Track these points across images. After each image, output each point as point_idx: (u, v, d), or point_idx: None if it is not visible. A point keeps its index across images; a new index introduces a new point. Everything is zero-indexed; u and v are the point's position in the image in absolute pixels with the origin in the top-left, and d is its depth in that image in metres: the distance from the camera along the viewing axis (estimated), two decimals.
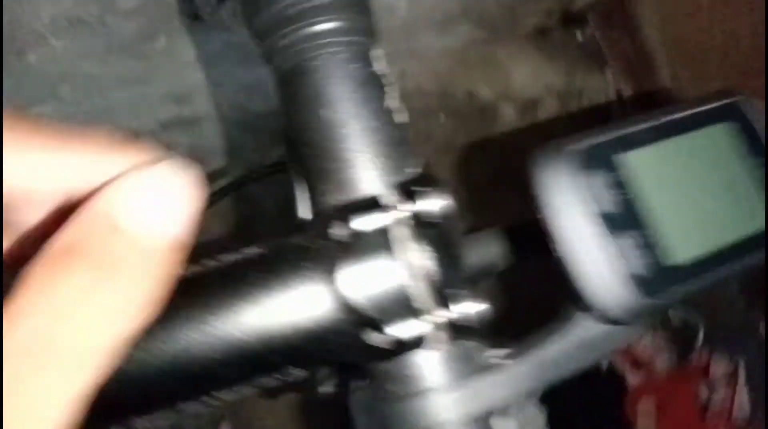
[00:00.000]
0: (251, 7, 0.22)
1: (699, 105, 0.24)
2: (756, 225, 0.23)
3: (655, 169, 0.22)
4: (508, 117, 0.82)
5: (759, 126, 0.24)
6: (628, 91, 0.77)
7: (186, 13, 0.51)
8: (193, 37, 0.60)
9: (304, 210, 0.22)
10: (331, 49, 0.21)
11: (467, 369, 0.21)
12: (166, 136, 0.61)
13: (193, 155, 0.59)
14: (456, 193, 0.20)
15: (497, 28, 0.79)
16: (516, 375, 0.21)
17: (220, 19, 0.58)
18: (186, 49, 0.60)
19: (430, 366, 0.20)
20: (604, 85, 0.82)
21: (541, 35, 0.79)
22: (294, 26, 0.21)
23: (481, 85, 0.81)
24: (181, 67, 0.61)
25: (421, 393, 0.20)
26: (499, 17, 0.78)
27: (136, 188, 0.12)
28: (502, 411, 0.22)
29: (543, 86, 0.82)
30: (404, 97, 0.73)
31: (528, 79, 0.81)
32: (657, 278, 0.21)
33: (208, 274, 0.16)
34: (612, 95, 0.81)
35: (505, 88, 0.81)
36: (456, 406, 0.20)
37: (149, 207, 0.12)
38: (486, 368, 0.21)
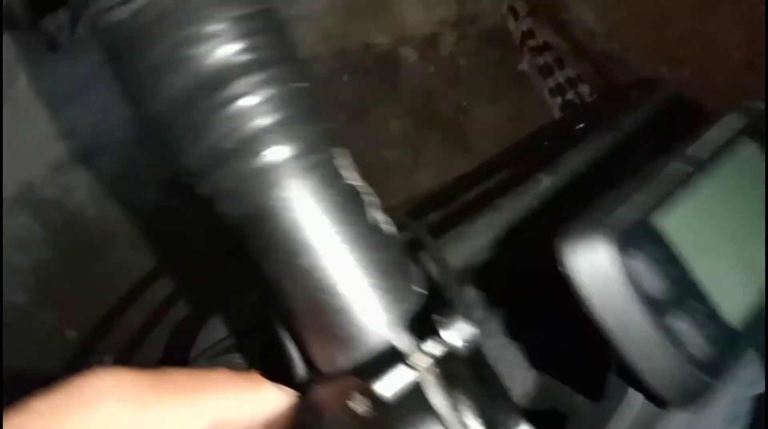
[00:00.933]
0: (174, 143, 0.18)
1: (703, 134, 0.21)
2: None
3: (694, 229, 0.20)
4: (411, 59, 0.81)
5: None
6: (522, 7, 0.78)
7: (41, 45, 0.47)
8: (57, 67, 0.55)
9: (301, 369, 0.19)
10: (292, 182, 0.17)
11: None
12: (63, 179, 0.58)
13: (98, 191, 0.56)
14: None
15: None
16: None
17: (81, 40, 0.53)
18: (53, 83, 0.56)
19: None
20: (496, 4, 0.82)
21: None
22: (237, 162, 0.17)
23: (376, 34, 0.79)
24: (54, 102, 0.57)
25: None
26: None
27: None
28: None
29: (437, 20, 0.81)
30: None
31: (420, 16, 0.80)
32: (720, 354, 0.19)
33: None
34: (506, 12, 0.82)
35: (401, 31, 0.80)
36: None
37: None
38: None
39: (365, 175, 0.20)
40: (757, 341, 0.20)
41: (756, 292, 0.20)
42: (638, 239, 0.19)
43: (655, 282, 0.19)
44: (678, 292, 0.19)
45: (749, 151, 0.21)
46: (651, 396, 0.19)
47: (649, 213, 0.19)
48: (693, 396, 0.19)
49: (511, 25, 0.79)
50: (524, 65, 0.81)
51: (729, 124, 0.22)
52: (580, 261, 0.19)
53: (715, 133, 0.22)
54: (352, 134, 0.68)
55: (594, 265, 0.19)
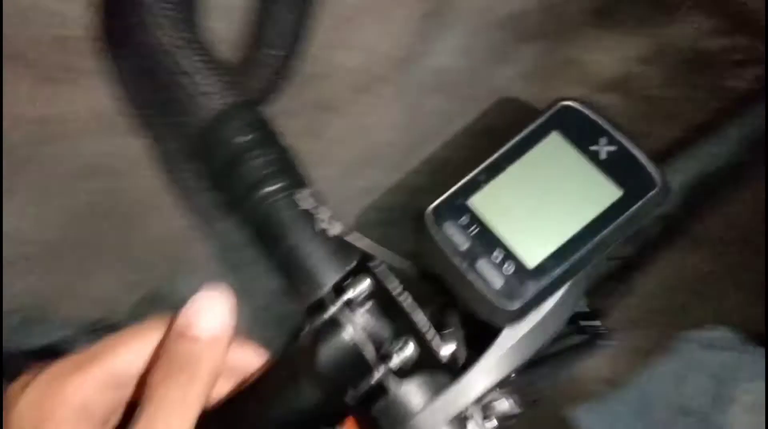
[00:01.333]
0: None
1: (519, 133, 0.28)
2: (602, 202, 0.25)
3: (497, 203, 0.26)
4: (616, 104, 0.85)
5: (587, 122, 0.27)
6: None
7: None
8: None
9: None
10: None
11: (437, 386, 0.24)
12: None
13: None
14: None
15: (556, 33, 0.87)
16: (474, 379, 0.24)
17: None
18: None
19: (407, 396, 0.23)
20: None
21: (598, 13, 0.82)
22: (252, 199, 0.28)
23: (568, 89, 0.88)
24: None
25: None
26: (551, 23, 0.86)
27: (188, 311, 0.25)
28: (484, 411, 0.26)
29: (630, 59, 0.83)
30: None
31: (611, 60, 0.84)
32: (518, 285, 0.25)
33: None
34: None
35: (595, 78, 0.86)
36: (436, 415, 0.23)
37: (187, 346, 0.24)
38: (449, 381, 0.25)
39: None
40: (552, 276, 0.25)
41: (550, 243, 0.25)
42: (448, 215, 0.27)
43: (462, 239, 0.26)
44: (481, 245, 0.26)
45: (556, 144, 0.27)
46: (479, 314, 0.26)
47: (460, 194, 0.28)
48: (498, 315, 0.26)
49: (711, 44, 0.77)
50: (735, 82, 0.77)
51: (544, 121, 0.28)
52: (419, 237, 0.28)
53: (533, 129, 0.28)
54: None
55: (424, 234, 0.28)
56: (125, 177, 0.62)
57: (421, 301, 0.26)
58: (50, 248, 0.62)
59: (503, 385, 0.24)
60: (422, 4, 0.71)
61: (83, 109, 0.53)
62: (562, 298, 0.24)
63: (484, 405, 0.24)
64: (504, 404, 0.25)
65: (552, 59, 0.90)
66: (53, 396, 0.23)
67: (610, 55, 0.84)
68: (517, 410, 0.25)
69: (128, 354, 0.25)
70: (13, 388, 0.24)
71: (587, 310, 0.38)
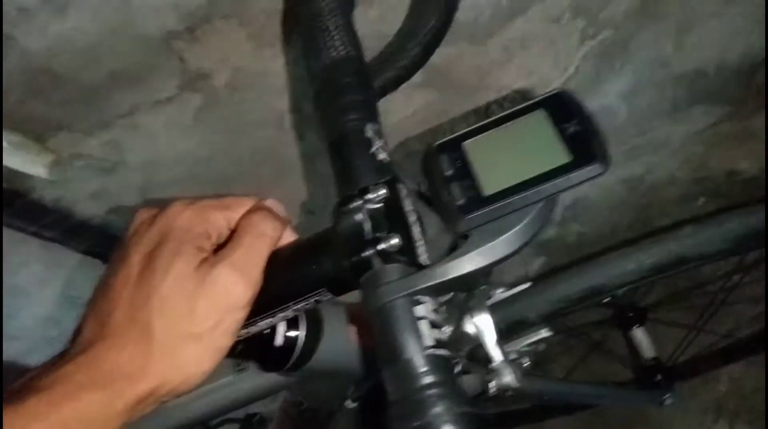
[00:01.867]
0: None
1: (518, 105, 0.38)
2: (552, 163, 0.34)
3: (482, 148, 0.37)
4: None
5: (567, 109, 0.36)
6: None
7: None
8: None
9: None
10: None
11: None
12: None
13: None
14: None
15: (739, 100, 0.89)
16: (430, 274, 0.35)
17: None
18: None
19: None
20: None
21: None
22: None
23: (741, 161, 0.90)
24: None
25: None
26: (735, 88, 0.88)
27: (258, 213, 0.42)
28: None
29: None
30: (655, 188, 1.13)
31: None
32: (472, 204, 0.35)
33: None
34: None
35: None
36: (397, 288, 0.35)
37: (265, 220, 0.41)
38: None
39: None
40: (497, 205, 0.34)
41: (504, 182, 0.35)
42: (446, 150, 0.38)
43: (448, 167, 0.37)
44: (459, 174, 0.36)
45: (540, 117, 0.36)
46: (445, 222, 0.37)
47: (461, 138, 0.38)
48: (455, 223, 0.35)
49: None
50: None
51: (537, 101, 0.37)
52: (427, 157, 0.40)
53: (526, 105, 0.38)
54: None
55: (427, 158, 0.39)
56: (287, 133, 0.80)
57: (420, 220, 0.37)
58: (217, 173, 0.82)
59: (456, 285, 0.34)
60: (592, 43, 0.79)
61: (280, 71, 0.71)
62: (513, 232, 0.33)
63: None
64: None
65: (729, 126, 0.91)
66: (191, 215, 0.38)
67: None
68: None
69: (239, 208, 0.40)
70: (140, 212, 0.40)
71: None
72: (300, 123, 0.81)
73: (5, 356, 0.92)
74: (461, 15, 0.73)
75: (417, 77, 0.78)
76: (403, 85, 0.70)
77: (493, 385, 0.48)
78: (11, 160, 0.63)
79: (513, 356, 0.52)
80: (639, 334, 0.99)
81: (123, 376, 0.33)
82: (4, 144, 0.61)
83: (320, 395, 0.56)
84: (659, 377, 0.94)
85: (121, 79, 0.68)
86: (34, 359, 0.98)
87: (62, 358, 0.34)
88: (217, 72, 0.70)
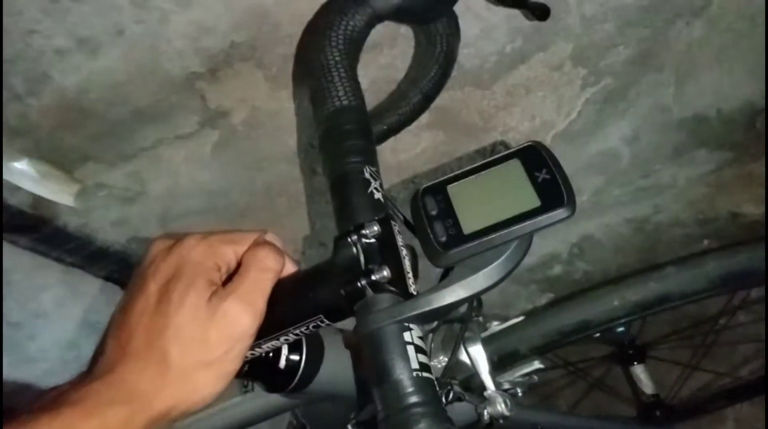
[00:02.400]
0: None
1: (496, 155, 0.43)
2: (524, 207, 0.39)
3: (463, 191, 0.42)
4: None
5: (539, 159, 0.41)
6: None
7: None
8: None
9: None
10: None
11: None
12: None
13: None
14: None
15: (741, 146, 0.92)
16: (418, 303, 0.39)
17: None
18: None
19: None
20: None
21: None
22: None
23: (745, 205, 0.94)
24: None
25: None
26: (737, 134, 0.92)
27: (262, 249, 0.46)
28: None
29: None
30: (660, 229, 1.19)
31: None
32: (453, 241, 0.39)
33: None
34: None
35: None
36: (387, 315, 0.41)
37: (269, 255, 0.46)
38: None
39: None
40: (485, 243, 0.39)
41: (482, 222, 0.39)
42: (431, 193, 0.43)
43: (432, 208, 0.42)
44: (442, 214, 0.41)
45: (515, 166, 0.41)
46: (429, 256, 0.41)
47: (443, 183, 0.43)
48: (437, 259, 0.40)
49: None
50: None
51: (513, 151, 0.43)
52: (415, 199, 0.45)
53: (504, 155, 0.43)
54: None
55: (415, 201, 0.44)
56: (300, 168, 0.85)
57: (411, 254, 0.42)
58: (232, 205, 0.87)
59: (440, 314, 0.38)
60: (594, 89, 0.84)
61: (294, 110, 0.76)
62: (491, 267, 0.37)
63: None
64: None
65: (732, 171, 0.95)
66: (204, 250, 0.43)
67: None
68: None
69: (245, 242, 0.45)
70: (156, 243, 0.44)
71: None
72: (311, 159, 0.87)
73: (24, 378, 0.97)
74: (468, 61, 0.79)
75: (425, 118, 0.83)
76: (412, 126, 0.75)
77: (486, 413, 0.51)
78: (40, 189, 0.68)
79: (506, 386, 0.55)
80: (639, 371, 1.02)
81: (143, 396, 0.38)
82: (34, 173, 0.67)
83: (323, 419, 0.60)
84: (659, 414, 0.98)
85: (146, 115, 0.74)
86: (51, 382, 1.02)
87: (89, 375, 0.39)
88: (236, 110, 0.76)
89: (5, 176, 0.67)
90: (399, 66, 0.75)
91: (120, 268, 0.92)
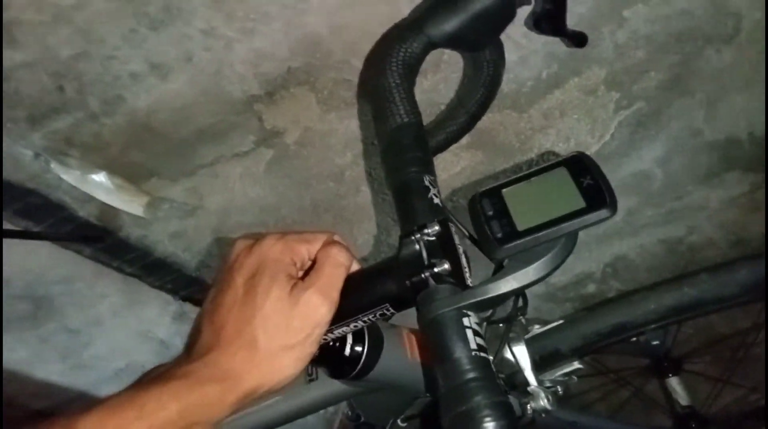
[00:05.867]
0: None
1: (545, 164, 0.49)
2: (571, 208, 0.45)
3: (516, 194, 0.48)
4: None
5: (583, 167, 0.47)
6: None
7: None
8: None
9: None
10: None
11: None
12: None
13: None
14: None
15: None
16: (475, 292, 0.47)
17: None
18: None
19: None
20: None
21: None
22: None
23: None
24: None
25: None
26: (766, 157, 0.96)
27: (334, 247, 0.54)
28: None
29: None
30: (693, 250, 1.26)
31: None
32: (508, 237, 0.46)
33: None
34: None
35: None
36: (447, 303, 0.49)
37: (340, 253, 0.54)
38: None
39: None
40: (528, 237, 0.45)
41: (534, 221, 0.45)
42: (487, 196, 0.49)
43: (489, 208, 0.48)
44: (498, 214, 0.47)
45: (562, 173, 0.47)
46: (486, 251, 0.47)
47: (497, 188, 0.49)
48: (493, 252, 0.46)
49: None
50: None
51: (560, 161, 0.49)
52: (471, 210, 0.51)
53: (552, 163, 0.48)
54: None
55: (473, 203, 0.50)
56: (346, 186, 0.92)
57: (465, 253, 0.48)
58: (281, 220, 0.94)
59: (495, 303, 0.44)
60: (626, 112, 0.90)
61: (342, 131, 0.83)
62: (541, 261, 0.43)
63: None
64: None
65: (764, 192, 0.99)
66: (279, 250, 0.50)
67: None
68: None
69: (317, 241, 0.51)
70: (239, 242, 0.51)
71: None
72: (357, 178, 0.93)
73: (79, 385, 1.04)
74: (506, 86, 0.85)
75: (465, 139, 0.90)
76: (453, 147, 0.81)
77: (530, 408, 0.56)
78: (113, 199, 0.76)
79: (547, 384, 0.60)
80: (674, 383, 1.07)
81: (235, 375, 0.44)
82: (110, 185, 0.74)
83: (377, 410, 0.65)
84: (693, 425, 1.02)
85: (207, 135, 0.81)
86: (103, 390, 1.09)
87: (188, 357, 0.46)
88: (289, 131, 0.84)
89: (81, 187, 0.75)
90: (441, 90, 0.82)
91: (174, 279, 0.99)
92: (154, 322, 1.04)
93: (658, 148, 0.97)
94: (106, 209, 0.86)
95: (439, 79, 0.81)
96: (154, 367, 0.47)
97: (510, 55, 0.79)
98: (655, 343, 0.99)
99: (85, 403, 0.40)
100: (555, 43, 0.80)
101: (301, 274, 0.49)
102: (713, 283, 0.58)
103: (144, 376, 0.45)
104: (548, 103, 0.88)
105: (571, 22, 0.70)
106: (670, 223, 1.08)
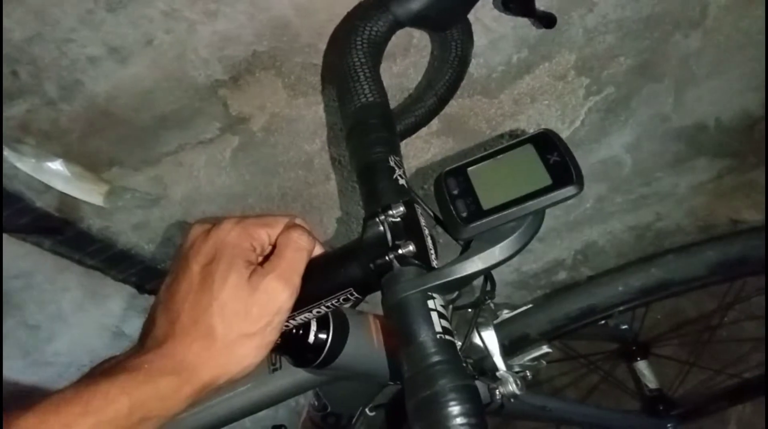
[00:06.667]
0: None
1: (512, 141, 0.48)
2: (537, 185, 0.43)
3: (482, 173, 0.47)
4: None
5: (550, 144, 0.46)
6: None
7: None
8: None
9: None
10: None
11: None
12: None
13: None
14: None
15: (740, 154, 0.97)
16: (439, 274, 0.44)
17: None
18: None
19: None
20: None
21: None
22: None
23: (745, 211, 0.98)
24: None
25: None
26: (736, 142, 0.97)
27: (295, 231, 0.52)
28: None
29: None
30: (662, 236, 1.27)
31: None
32: (473, 216, 0.44)
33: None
34: None
35: None
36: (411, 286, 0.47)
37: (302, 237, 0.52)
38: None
39: None
40: (493, 217, 0.43)
41: (500, 199, 0.44)
42: (452, 175, 0.47)
43: (454, 187, 0.46)
44: (463, 193, 0.45)
45: (528, 150, 0.46)
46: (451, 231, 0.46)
47: (462, 166, 0.47)
48: (458, 232, 0.44)
49: None
50: None
51: (526, 137, 0.47)
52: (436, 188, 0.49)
53: (518, 141, 0.47)
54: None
55: (438, 182, 0.49)
56: (315, 173, 0.90)
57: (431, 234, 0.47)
58: (249, 209, 0.92)
59: (460, 284, 0.43)
60: (596, 98, 0.89)
61: (310, 117, 0.82)
62: (507, 240, 0.42)
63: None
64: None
65: (731, 178, 1.00)
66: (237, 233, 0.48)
67: None
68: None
69: (277, 225, 0.50)
70: (195, 227, 0.50)
71: None
72: (326, 166, 0.92)
73: (40, 382, 1.01)
74: (476, 71, 0.85)
75: (435, 125, 0.88)
76: (423, 133, 0.79)
77: (498, 393, 0.55)
78: (71, 188, 0.73)
79: (516, 369, 0.59)
80: (642, 367, 1.08)
81: (191, 367, 0.42)
82: (67, 173, 0.71)
83: (344, 399, 0.64)
84: (661, 407, 1.03)
85: (170, 121, 0.79)
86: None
87: (142, 348, 0.44)
88: (255, 117, 0.82)
89: (37, 176, 0.72)
90: (411, 75, 0.81)
91: (138, 271, 0.96)
92: (119, 316, 1.01)
93: (627, 134, 0.97)
94: (66, 199, 0.83)
95: (409, 64, 0.79)
96: (104, 359, 0.44)
97: (480, 39, 0.78)
98: (623, 327, 1.00)
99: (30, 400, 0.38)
100: (525, 27, 0.79)
101: (260, 259, 0.48)
102: (680, 264, 0.58)
103: (93, 369, 0.43)
104: (519, 88, 0.87)
105: (541, 5, 0.70)
106: (639, 210, 1.09)
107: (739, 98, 0.97)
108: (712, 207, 1.02)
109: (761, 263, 0.56)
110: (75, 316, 0.98)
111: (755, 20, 0.88)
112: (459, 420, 0.36)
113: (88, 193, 0.75)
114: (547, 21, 0.61)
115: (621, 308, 0.61)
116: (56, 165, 0.71)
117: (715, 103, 0.96)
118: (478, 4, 0.61)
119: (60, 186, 0.73)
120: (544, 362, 0.59)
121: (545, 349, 0.58)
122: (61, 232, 0.85)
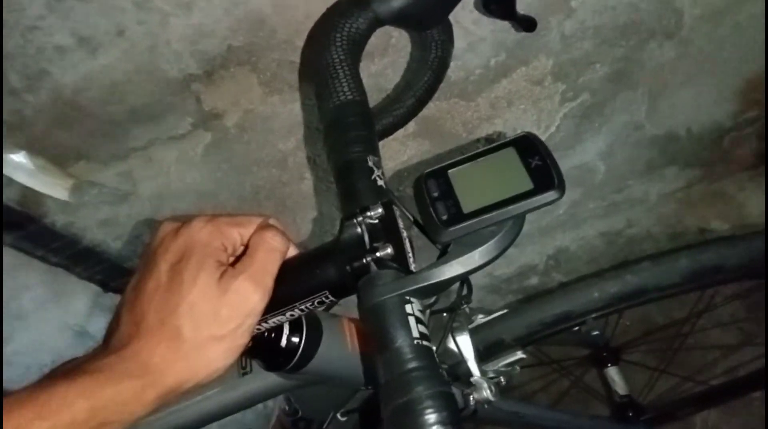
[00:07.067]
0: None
1: (493, 143, 0.47)
2: (518, 189, 0.43)
3: (463, 175, 0.46)
4: None
5: (532, 147, 0.45)
6: None
7: None
8: None
9: None
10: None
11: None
12: None
13: None
14: None
15: (709, 163, 0.99)
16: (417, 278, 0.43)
17: None
18: None
19: None
20: None
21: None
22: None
23: (713, 221, 0.99)
24: None
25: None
26: (706, 152, 0.98)
27: (269, 231, 0.50)
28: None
29: None
30: (632, 243, 1.27)
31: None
32: (453, 219, 0.43)
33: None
34: None
35: (740, 220, 0.97)
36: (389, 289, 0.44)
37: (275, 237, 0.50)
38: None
39: None
40: (474, 220, 0.43)
41: (481, 203, 0.43)
42: (433, 177, 0.46)
43: (435, 190, 0.45)
44: (443, 196, 0.44)
45: (510, 153, 0.45)
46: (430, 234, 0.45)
47: (443, 168, 0.46)
48: (438, 235, 0.43)
49: None
50: None
51: (508, 140, 0.46)
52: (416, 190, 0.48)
53: (500, 143, 0.47)
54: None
55: (418, 183, 0.47)
56: (289, 172, 0.88)
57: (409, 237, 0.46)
58: (220, 207, 0.90)
59: (439, 289, 0.42)
60: (572, 104, 0.90)
61: (286, 115, 0.80)
62: (487, 245, 0.41)
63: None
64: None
65: (700, 188, 1.01)
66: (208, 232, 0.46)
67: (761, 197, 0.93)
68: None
69: (250, 225, 0.48)
70: (164, 225, 0.48)
71: None
72: (301, 165, 0.90)
73: None
74: (454, 73, 0.84)
75: (412, 127, 0.88)
76: (399, 134, 0.78)
77: (472, 399, 0.55)
78: (35, 182, 0.70)
79: (490, 375, 0.59)
80: (613, 373, 1.09)
81: (155, 370, 0.41)
82: (30, 166, 0.69)
83: (316, 404, 0.62)
84: (630, 414, 1.04)
85: (140, 115, 0.77)
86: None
87: (105, 349, 0.42)
88: (229, 113, 0.80)
89: None
90: (389, 75, 0.80)
91: (104, 269, 0.93)
92: (83, 316, 0.97)
93: (601, 141, 0.98)
94: (29, 193, 0.80)
95: (387, 63, 0.78)
96: (65, 361, 0.42)
97: (459, 42, 0.78)
98: (595, 333, 1.01)
99: None
100: (504, 31, 0.79)
101: (232, 259, 0.46)
102: (655, 271, 0.59)
103: (54, 370, 0.41)
104: (495, 92, 0.87)
105: (521, 9, 0.69)
106: (610, 216, 1.10)
107: (710, 109, 0.98)
108: (681, 215, 1.04)
109: (735, 272, 0.57)
110: (36, 315, 0.94)
111: (727, 33, 0.89)
112: (435, 428, 0.35)
113: (52, 187, 0.72)
114: (527, 24, 0.61)
115: (596, 314, 0.61)
116: (19, 157, 0.68)
117: (687, 113, 0.98)
118: (459, 5, 0.61)
119: (22, 179, 0.70)
120: (518, 368, 0.59)
121: (520, 354, 0.58)
122: (23, 227, 0.82)
